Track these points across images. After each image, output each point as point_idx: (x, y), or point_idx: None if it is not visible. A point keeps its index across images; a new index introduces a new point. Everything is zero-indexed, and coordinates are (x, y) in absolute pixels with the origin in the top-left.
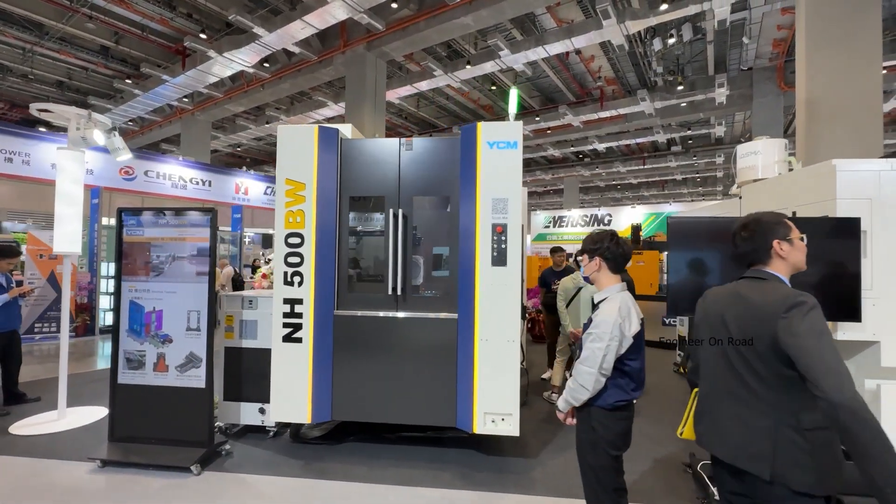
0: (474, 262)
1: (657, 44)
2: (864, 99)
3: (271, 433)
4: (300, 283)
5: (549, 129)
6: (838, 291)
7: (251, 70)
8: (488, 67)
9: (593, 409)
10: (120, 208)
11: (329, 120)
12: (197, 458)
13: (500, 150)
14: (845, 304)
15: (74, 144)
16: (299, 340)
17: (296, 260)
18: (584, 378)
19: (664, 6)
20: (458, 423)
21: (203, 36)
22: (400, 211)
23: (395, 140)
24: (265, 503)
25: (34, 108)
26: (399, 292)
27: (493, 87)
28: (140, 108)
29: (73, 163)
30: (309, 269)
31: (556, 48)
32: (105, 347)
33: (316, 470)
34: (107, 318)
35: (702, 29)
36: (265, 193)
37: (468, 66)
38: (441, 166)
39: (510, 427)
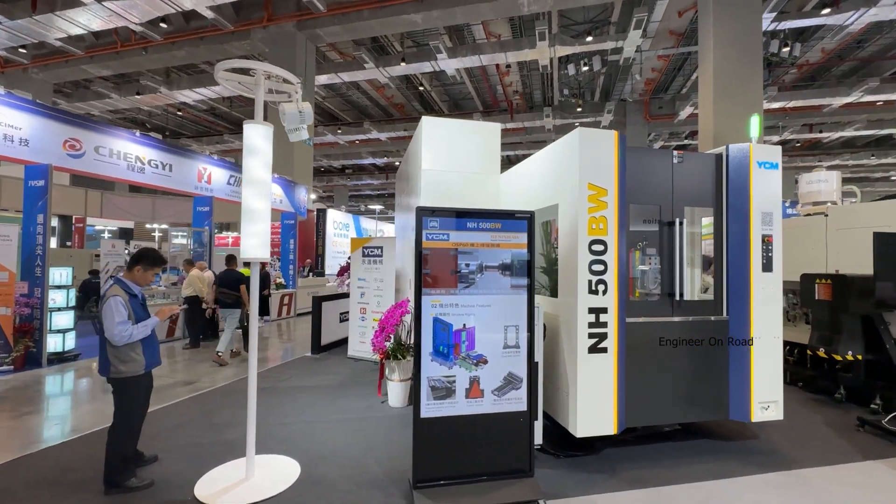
0: (748, 269)
1: (571, 69)
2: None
3: None
4: (604, 292)
5: None
6: None
7: (138, 28)
8: (424, 67)
9: None
10: (420, 208)
11: (226, 99)
12: (541, 491)
13: (766, 169)
14: None
15: (292, 122)
16: (605, 350)
17: (600, 268)
18: None
19: (589, 38)
20: (730, 415)
21: None
22: (686, 220)
23: (669, 152)
24: None
25: (221, 69)
26: (683, 298)
27: (421, 88)
28: None
29: (266, 142)
30: (612, 278)
31: (491, 59)
32: (65, 382)
33: (637, 479)
34: (58, 343)
35: (607, 62)
36: (229, 183)
37: (403, 64)
38: (705, 179)
39: (776, 413)
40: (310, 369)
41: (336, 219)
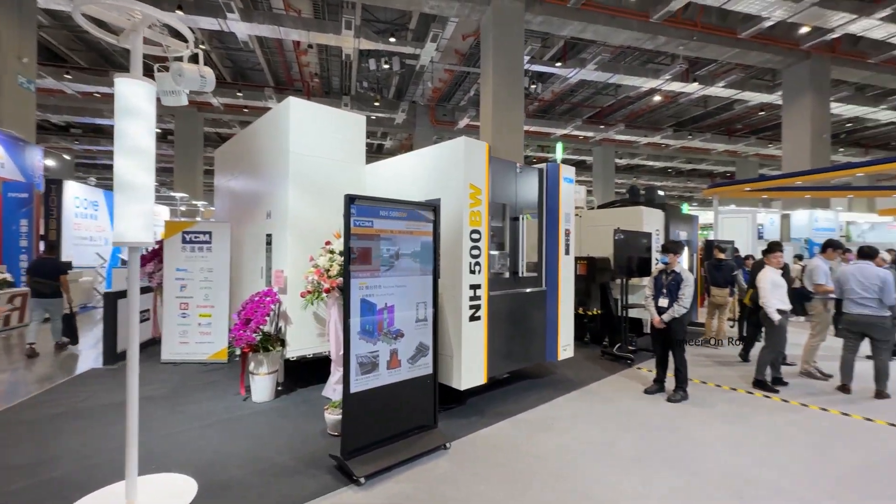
0: (557, 253)
1: (372, 63)
2: (516, 147)
3: None
4: (479, 272)
5: (246, 107)
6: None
7: None
8: (204, 23)
9: (683, 316)
10: (349, 196)
11: None
12: (446, 437)
13: (567, 183)
14: (646, 268)
15: (190, 85)
16: (479, 318)
17: (476, 252)
18: (687, 304)
19: (392, 39)
20: (546, 358)
21: None
22: (528, 216)
23: (514, 164)
24: (514, 432)
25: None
26: (523, 275)
27: (203, 47)
28: None
29: (148, 103)
30: (484, 260)
31: (293, 35)
32: None
33: (499, 414)
34: None
35: (405, 65)
36: None
37: (179, 12)
38: (533, 187)
39: (570, 352)
40: (114, 382)
41: (79, 194)
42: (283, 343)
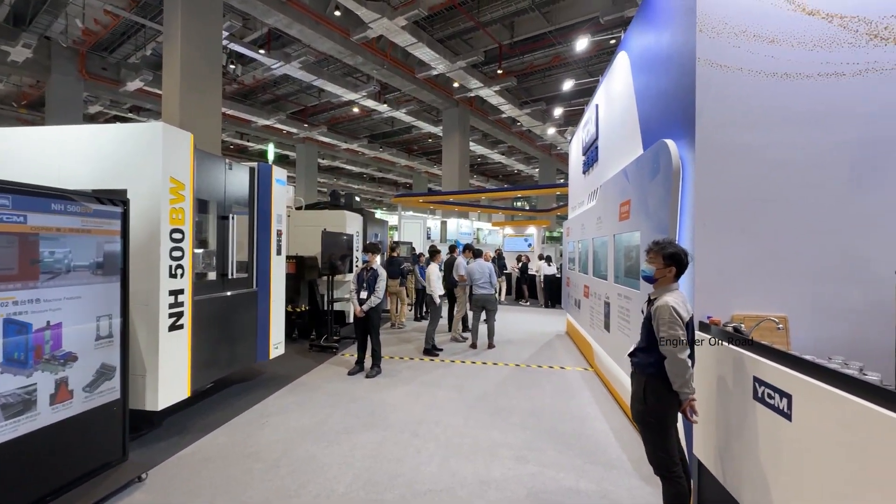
0: (269, 253)
1: None
2: (212, 130)
3: None
4: (182, 275)
5: None
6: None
7: None
8: None
9: (378, 305)
10: None
11: None
12: (141, 466)
13: (279, 184)
14: (349, 266)
15: None
16: (181, 327)
17: (179, 254)
18: (381, 295)
19: None
20: (257, 359)
21: None
22: (237, 215)
23: (223, 159)
24: (225, 440)
25: None
26: (232, 276)
27: None
28: None
29: None
30: (188, 263)
31: None
32: None
33: (206, 426)
34: None
35: None
36: None
37: None
38: (244, 186)
39: (281, 350)
40: None
41: None
42: None
